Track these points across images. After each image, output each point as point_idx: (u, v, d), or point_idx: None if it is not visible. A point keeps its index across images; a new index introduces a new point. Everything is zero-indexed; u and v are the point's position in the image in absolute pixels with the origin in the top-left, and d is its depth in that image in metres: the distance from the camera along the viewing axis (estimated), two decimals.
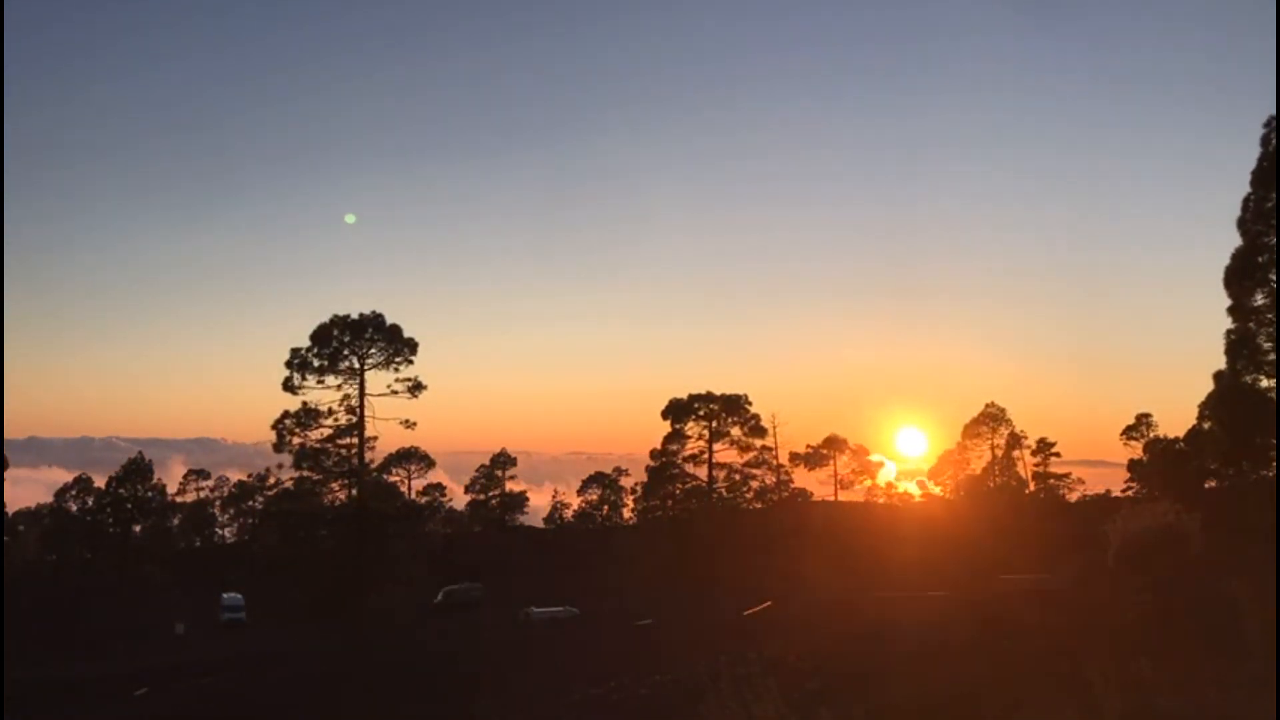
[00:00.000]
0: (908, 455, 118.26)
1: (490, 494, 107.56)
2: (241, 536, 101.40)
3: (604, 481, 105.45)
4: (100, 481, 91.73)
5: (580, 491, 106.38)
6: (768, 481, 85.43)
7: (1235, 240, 26.91)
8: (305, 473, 58.42)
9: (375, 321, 57.75)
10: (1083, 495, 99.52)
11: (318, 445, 57.72)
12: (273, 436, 57.86)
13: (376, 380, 57.90)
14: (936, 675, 13.30)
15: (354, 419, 57.57)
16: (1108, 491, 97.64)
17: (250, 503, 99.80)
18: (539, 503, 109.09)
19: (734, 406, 79.71)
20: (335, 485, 59.50)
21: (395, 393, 57.93)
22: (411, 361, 58.17)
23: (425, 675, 25.50)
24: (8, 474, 77.06)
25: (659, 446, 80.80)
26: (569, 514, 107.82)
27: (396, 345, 57.94)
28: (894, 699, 12.27)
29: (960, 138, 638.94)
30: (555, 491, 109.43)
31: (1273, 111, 25.53)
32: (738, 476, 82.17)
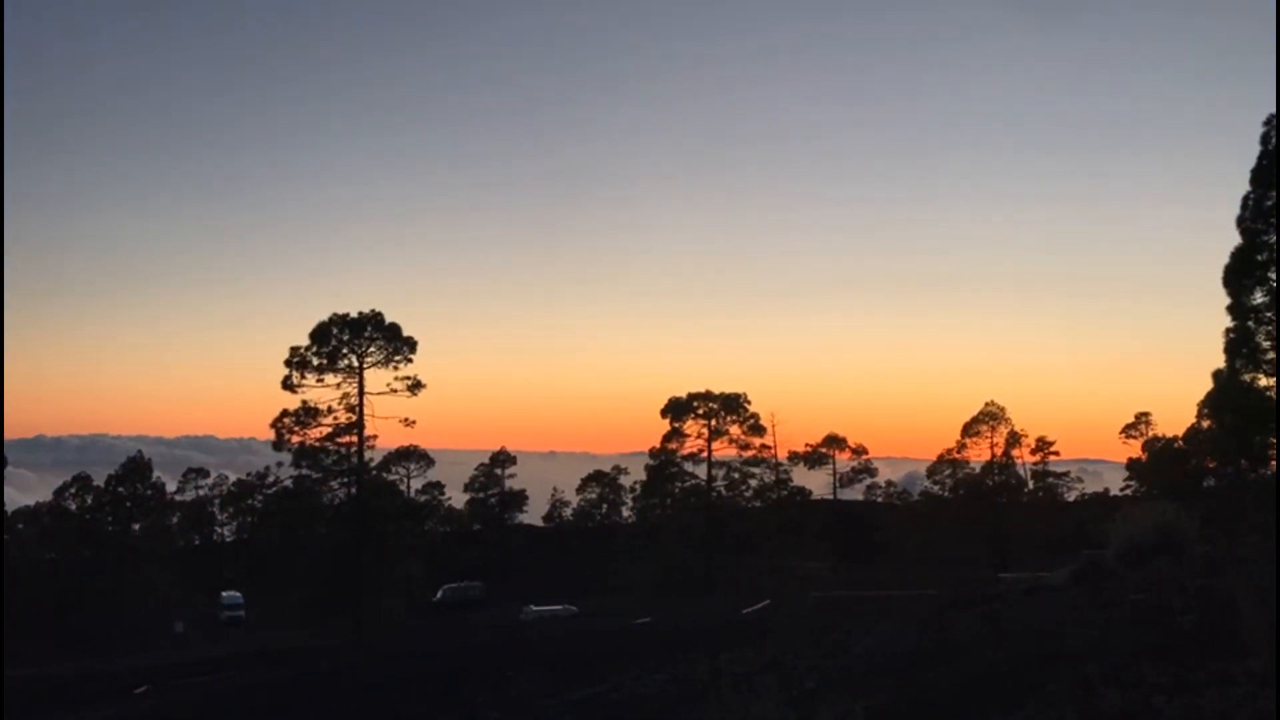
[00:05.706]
0: (907, 453, 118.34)
1: (490, 493, 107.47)
2: (241, 535, 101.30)
3: (603, 480, 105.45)
4: (99, 480, 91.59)
5: (580, 490, 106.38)
6: (767, 480, 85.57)
7: (1235, 239, 26.85)
8: (304, 471, 58.56)
9: (374, 320, 57.84)
10: (1081, 494, 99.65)
11: (317, 444, 57.88)
12: (272, 435, 58.04)
13: (376, 379, 58.07)
14: (936, 674, 13.33)
15: (353, 417, 57.66)
16: (1106, 490, 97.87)
17: (249, 501, 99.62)
18: (538, 502, 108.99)
19: (733, 405, 79.78)
20: (334, 484, 59.69)
21: (394, 391, 58.10)
22: (411, 360, 58.33)
23: (425, 674, 25.54)
24: (7, 473, 76.99)
25: (658, 445, 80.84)
26: (568, 513, 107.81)
27: (396, 344, 58.03)
28: (893, 698, 12.29)
29: (960, 136, 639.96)
30: (555, 490, 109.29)
31: (1273, 110, 25.48)
32: (737, 475, 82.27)
